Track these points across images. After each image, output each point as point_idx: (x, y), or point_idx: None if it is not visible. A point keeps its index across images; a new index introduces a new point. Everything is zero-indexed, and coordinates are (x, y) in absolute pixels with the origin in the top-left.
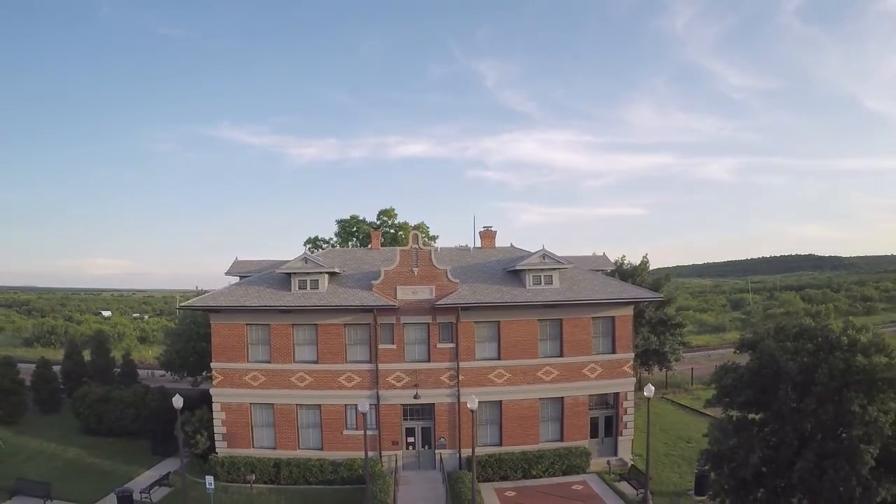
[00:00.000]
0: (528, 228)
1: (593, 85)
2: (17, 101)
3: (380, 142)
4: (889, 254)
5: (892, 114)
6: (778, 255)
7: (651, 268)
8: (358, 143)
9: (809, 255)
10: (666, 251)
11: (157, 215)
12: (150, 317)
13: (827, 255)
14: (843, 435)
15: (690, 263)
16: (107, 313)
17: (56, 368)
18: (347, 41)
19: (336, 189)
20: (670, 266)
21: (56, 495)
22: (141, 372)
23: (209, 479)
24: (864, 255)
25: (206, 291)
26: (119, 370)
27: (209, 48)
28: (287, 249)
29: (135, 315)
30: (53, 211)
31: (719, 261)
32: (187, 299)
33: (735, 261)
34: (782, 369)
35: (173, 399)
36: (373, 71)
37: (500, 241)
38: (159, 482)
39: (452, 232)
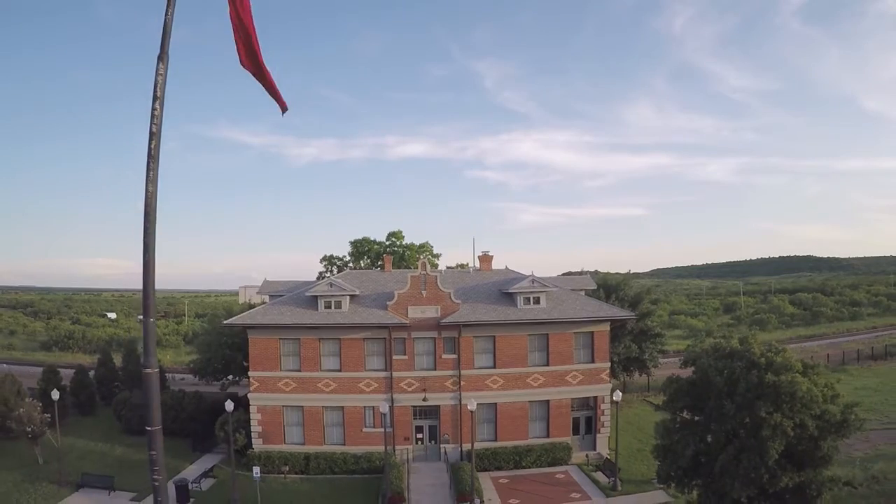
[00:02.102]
0: (527, 229)
1: (592, 85)
2: (16, 101)
3: (378, 142)
4: (888, 255)
5: (892, 114)
6: (777, 255)
7: (650, 268)
8: (357, 143)
9: (808, 255)
10: (666, 252)
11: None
12: (155, 319)
13: (825, 255)
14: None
15: (690, 264)
16: (112, 315)
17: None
18: (346, 41)
19: (337, 189)
20: (669, 267)
21: (117, 487)
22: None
23: (256, 470)
24: (863, 255)
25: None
26: None
27: (208, 48)
28: (288, 249)
29: (140, 317)
30: (52, 210)
31: (719, 261)
32: (199, 302)
33: (734, 261)
34: (712, 382)
35: (225, 403)
36: (371, 71)
37: (500, 242)
38: (205, 474)
39: (453, 234)
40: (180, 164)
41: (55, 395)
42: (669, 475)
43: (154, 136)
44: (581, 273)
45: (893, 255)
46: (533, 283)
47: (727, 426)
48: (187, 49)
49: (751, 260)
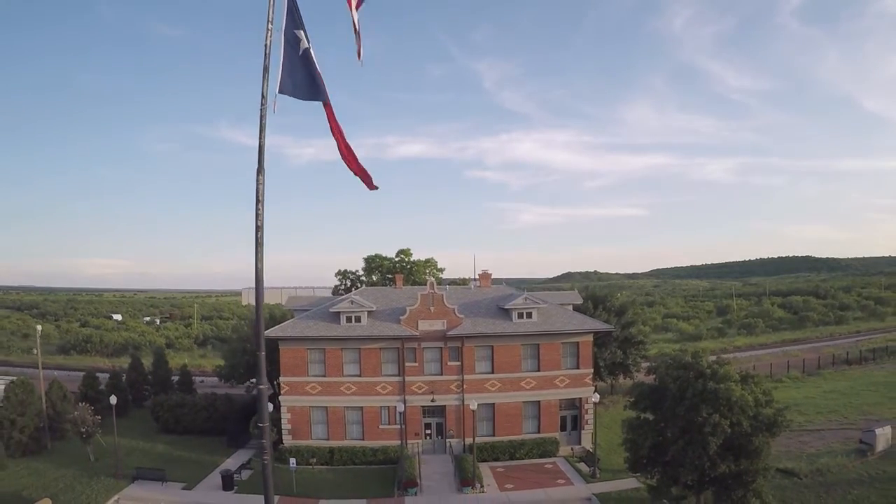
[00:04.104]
0: (527, 228)
1: (592, 85)
2: (15, 100)
3: (378, 142)
4: (887, 255)
5: (892, 114)
6: (776, 256)
7: (650, 269)
8: (357, 143)
9: (807, 256)
10: (665, 252)
11: (155, 215)
12: (161, 321)
13: (824, 256)
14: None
15: (689, 265)
16: (117, 317)
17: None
18: (345, 41)
19: (336, 189)
20: (669, 267)
21: (168, 478)
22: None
23: (292, 461)
24: (861, 256)
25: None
26: (177, 378)
27: (207, 48)
28: (288, 250)
29: (146, 319)
30: (51, 210)
31: (718, 262)
32: (200, 302)
33: (733, 262)
34: (668, 388)
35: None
36: (371, 71)
37: (500, 242)
38: (244, 466)
39: (452, 233)
40: (181, 165)
41: (113, 399)
42: (635, 464)
43: (259, 230)
44: (573, 289)
45: (892, 255)
46: (525, 300)
47: (679, 424)
48: (188, 49)
49: (750, 260)
